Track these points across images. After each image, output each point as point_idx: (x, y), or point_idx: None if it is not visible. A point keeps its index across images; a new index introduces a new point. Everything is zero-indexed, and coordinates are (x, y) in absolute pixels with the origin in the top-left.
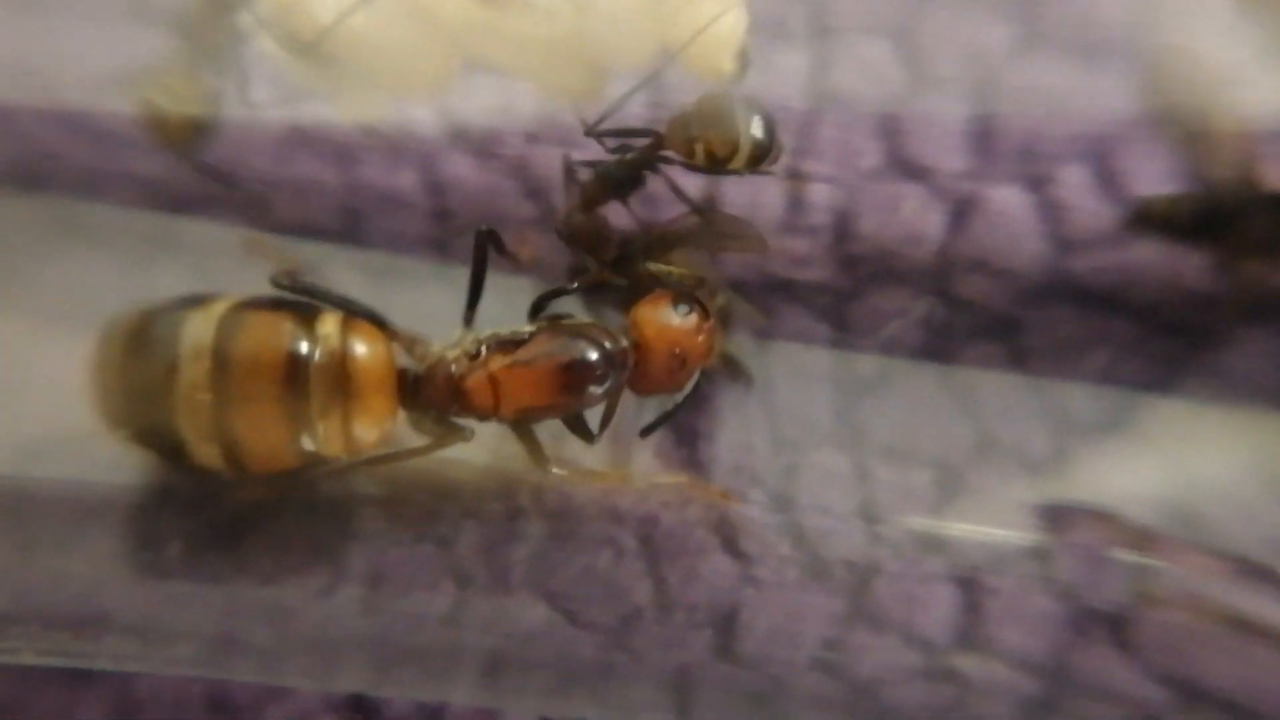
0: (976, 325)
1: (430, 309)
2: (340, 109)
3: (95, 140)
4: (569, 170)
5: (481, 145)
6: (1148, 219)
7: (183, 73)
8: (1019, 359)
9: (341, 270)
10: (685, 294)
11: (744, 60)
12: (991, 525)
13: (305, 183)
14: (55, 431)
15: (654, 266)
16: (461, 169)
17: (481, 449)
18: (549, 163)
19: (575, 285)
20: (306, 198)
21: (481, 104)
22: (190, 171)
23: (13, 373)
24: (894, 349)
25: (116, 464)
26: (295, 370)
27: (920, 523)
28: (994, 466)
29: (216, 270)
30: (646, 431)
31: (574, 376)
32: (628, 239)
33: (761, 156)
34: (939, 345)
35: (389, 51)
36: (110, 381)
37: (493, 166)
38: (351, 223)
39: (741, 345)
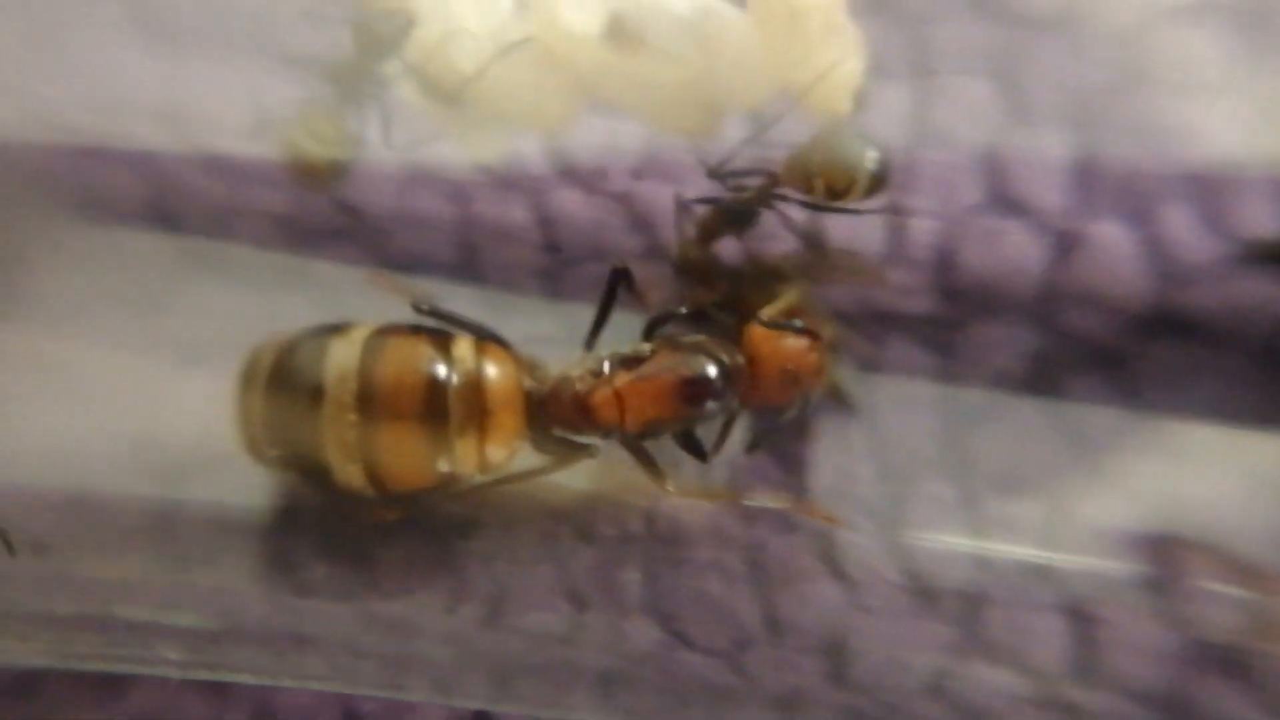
0: (1082, 358)
1: (542, 341)
2: (467, 149)
3: (230, 178)
4: (684, 208)
5: (589, 180)
6: (1258, 256)
7: (328, 116)
8: (1126, 392)
9: (458, 304)
10: (800, 314)
11: (860, 101)
12: (1101, 556)
13: (424, 217)
14: (197, 456)
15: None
16: (570, 203)
17: (594, 475)
18: (654, 197)
19: (684, 309)
20: (425, 232)
21: (589, 139)
22: (321, 208)
23: (157, 401)
24: (1000, 380)
25: (256, 486)
26: (435, 391)
27: (1029, 554)
28: (1103, 498)
29: (343, 303)
30: (751, 448)
31: (695, 389)
32: (739, 272)
33: (877, 188)
34: (1045, 377)
35: (519, 95)
36: (256, 406)
37: (600, 201)
38: (467, 256)
39: (847, 374)
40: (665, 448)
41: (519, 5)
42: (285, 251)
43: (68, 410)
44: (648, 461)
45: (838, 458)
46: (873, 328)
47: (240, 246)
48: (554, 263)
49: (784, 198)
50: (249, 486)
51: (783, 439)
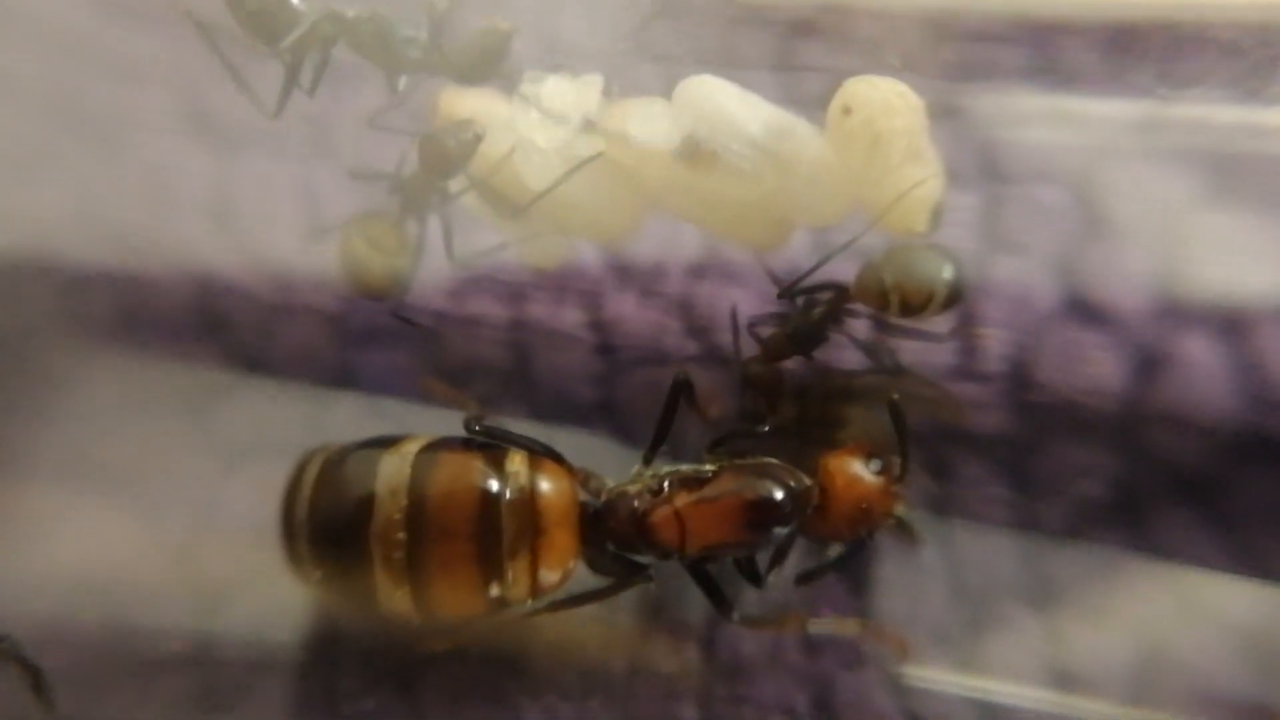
0: (1171, 485)
1: (593, 447)
2: (528, 256)
3: (279, 278)
4: (749, 326)
5: (645, 281)
6: None
7: (389, 223)
8: (1220, 525)
9: (509, 409)
10: (879, 451)
11: (937, 218)
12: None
13: (477, 319)
14: (239, 571)
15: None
16: (626, 305)
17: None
18: (713, 298)
19: (765, 428)
20: (478, 333)
21: (647, 238)
22: (371, 310)
23: (200, 509)
24: (1082, 507)
25: (298, 610)
26: (488, 506)
27: (1121, 713)
28: (1197, 637)
29: (389, 407)
30: (803, 580)
31: (760, 514)
32: (806, 387)
33: (953, 303)
34: (1131, 504)
35: (584, 208)
36: (302, 522)
37: (655, 304)
38: (520, 360)
39: (914, 506)
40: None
41: (586, 121)
42: (333, 354)
43: (108, 520)
44: (710, 586)
45: (909, 578)
46: (943, 446)
47: (287, 349)
48: (608, 367)
49: (854, 314)
50: (291, 609)
51: (840, 567)
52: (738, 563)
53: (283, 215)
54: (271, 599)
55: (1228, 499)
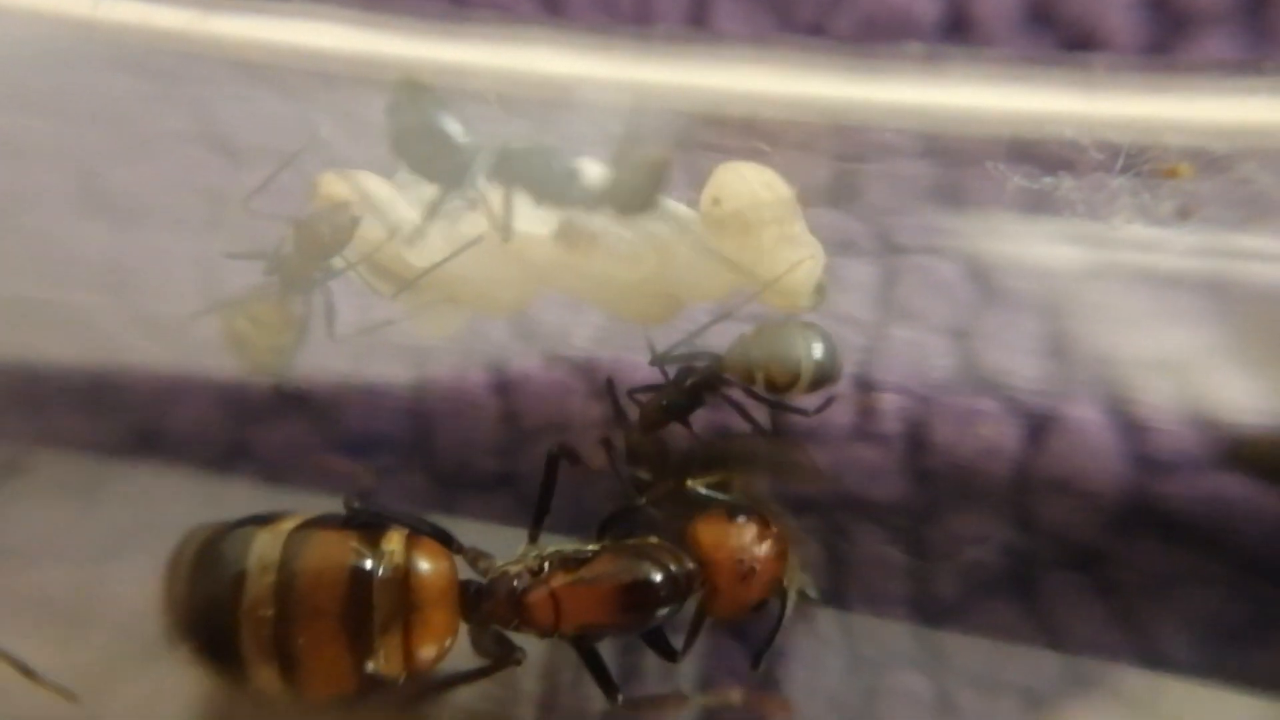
0: (1060, 554)
1: (498, 517)
2: (419, 327)
3: (175, 351)
4: (629, 394)
5: (549, 345)
6: (1240, 458)
7: (270, 301)
8: (1107, 592)
9: (412, 478)
10: (740, 506)
11: (821, 294)
12: None
13: (379, 384)
14: (122, 658)
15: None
16: (530, 365)
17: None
18: (615, 364)
19: (644, 500)
20: (380, 402)
21: (549, 304)
22: (265, 385)
23: (84, 596)
24: (975, 574)
25: (183, 693)
26: (357, 585)
27: None
28: (1087, 705)
29: (286, 480)
30: (756, 660)
31: (636, 597)
32: (688, 456)
33: (823, 381)
34: (1021, 572)
35: (473, 283)
36: (178, 594)
37: (560, 366)
38: (422, 429)
39: (809, 565)
40: None
41: (470, 202)
42: (229, 429)
43: None
44: (595, 667)
45: (807, 647)
46: (838, 514)
47: (182, 423)
48: (512, 436)
49: (729, 382)
50: (176, 694)
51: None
52: (649, 638)
53: (180, 288)
54: (156, 684)
55: (1112, 566)
